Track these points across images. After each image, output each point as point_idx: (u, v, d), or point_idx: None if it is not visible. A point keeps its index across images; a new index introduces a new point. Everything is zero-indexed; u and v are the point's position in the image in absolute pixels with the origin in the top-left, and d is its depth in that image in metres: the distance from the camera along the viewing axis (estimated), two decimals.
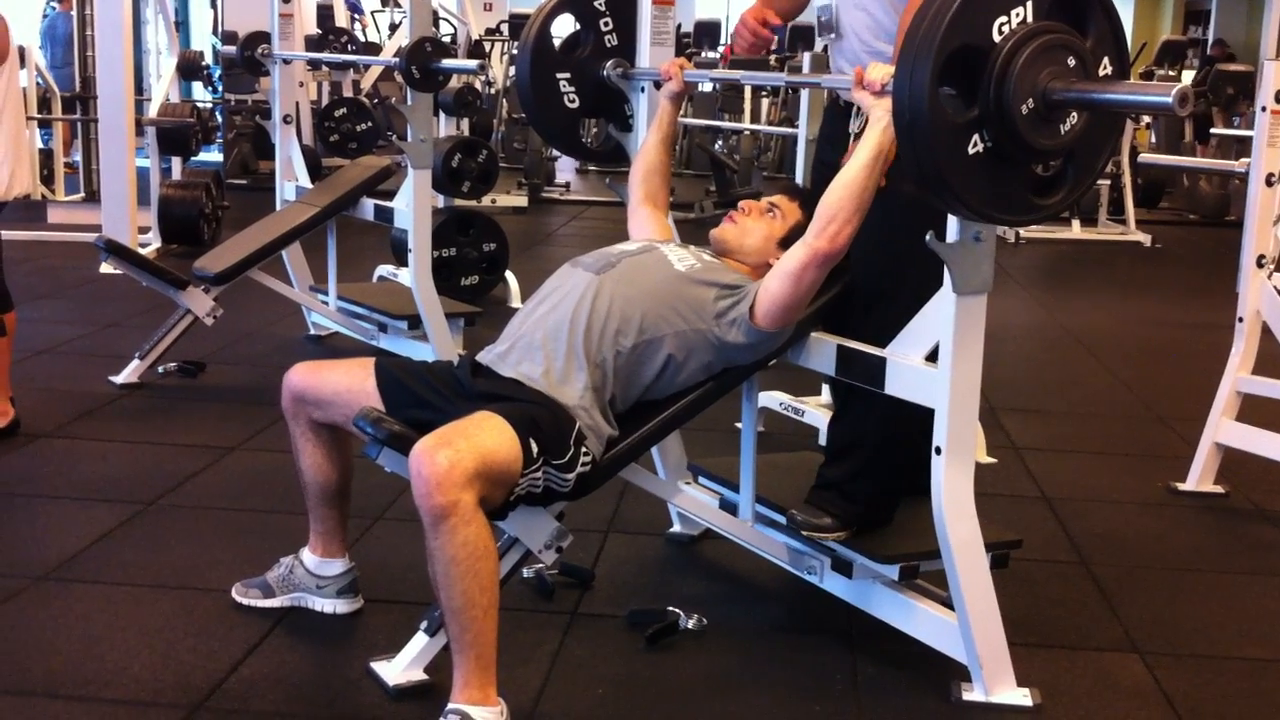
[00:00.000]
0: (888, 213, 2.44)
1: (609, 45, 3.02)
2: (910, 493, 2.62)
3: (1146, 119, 10.34)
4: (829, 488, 2.63)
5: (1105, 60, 2.06)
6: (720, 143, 11.59)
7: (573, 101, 3.03)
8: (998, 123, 1.99)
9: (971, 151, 2.00)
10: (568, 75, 3.00)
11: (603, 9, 3.01)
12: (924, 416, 2.37)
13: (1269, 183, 3.54)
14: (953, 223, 2.23)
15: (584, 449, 2.33)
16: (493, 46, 11.50)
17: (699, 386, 2.51)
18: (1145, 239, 9.08)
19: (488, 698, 2.18)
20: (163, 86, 7.89)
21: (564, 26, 3.08)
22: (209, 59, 12.03)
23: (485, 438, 2.17)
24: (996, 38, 1.97)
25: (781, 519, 2.67)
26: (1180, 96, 1.83)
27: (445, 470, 2.08)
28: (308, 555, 2.67)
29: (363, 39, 11.94)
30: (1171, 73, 12.59)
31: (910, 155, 2.03)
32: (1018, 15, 1.98)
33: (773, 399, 3.91)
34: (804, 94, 3.88)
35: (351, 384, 2.47)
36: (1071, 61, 1.99)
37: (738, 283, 2.52)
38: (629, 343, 2.42)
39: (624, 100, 3.08)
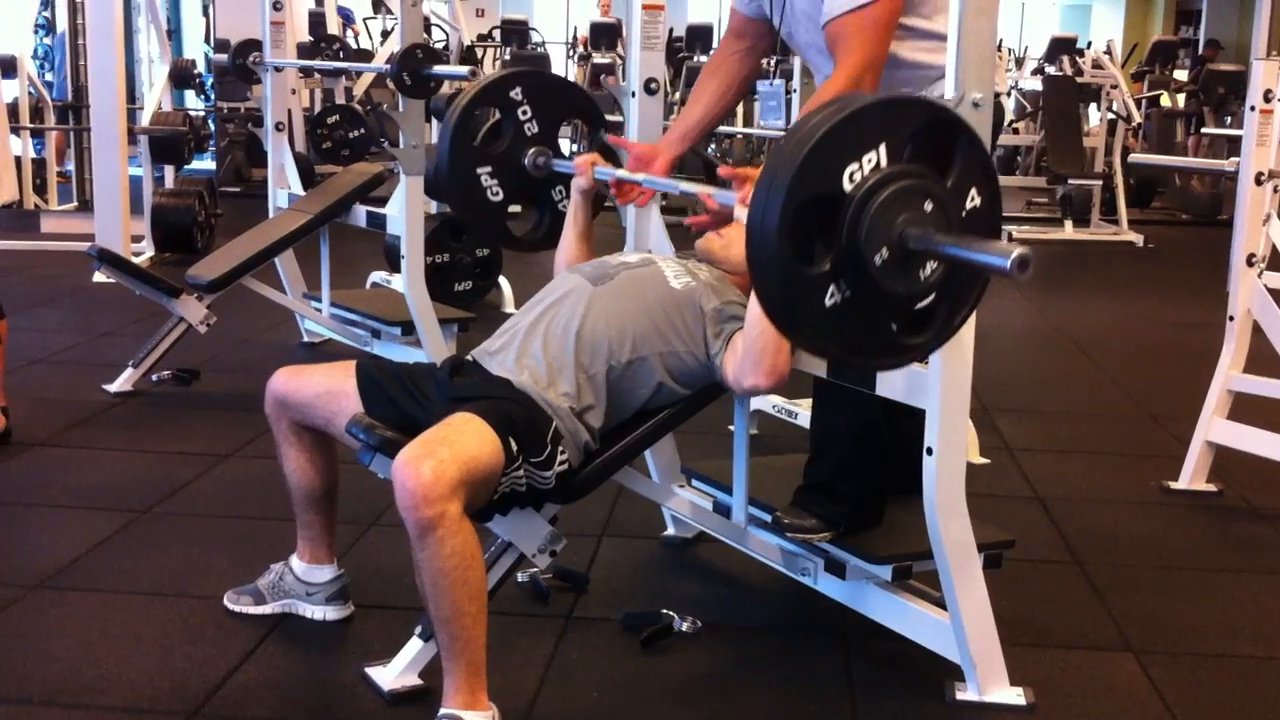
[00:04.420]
0: None
1: (529, 134, 2.96)
2: (901, 492, 2.63)
3: (1136, 122, 10.37)
4: (813, 489, 2.63)
5: (973, 191, 1.91)
6: (713, 146, 11.61)
7: (496, 194, 2.98)
8: (854, 272, 1.83)
9: (830, 303, 1.85)
10: (489, 169, 2.95)
11: (519, 98, 2.94)
12: (899, 411, 2.38)
13: (1258, 181, 3.56)
14: None
15: (560, 448, 2.33)
16: (485, 52, 11.51)
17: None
18: (1138, 239, 9.10)
19: (479, 702, 2.18)
20: (155, 95, 7.86)
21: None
22: (201, 67, 12.04)
23: (467, 443, 2.17)
24: (848, 186, 1.79)
25: None
26: (1019, 261, 1.71)
27: (430, 482, 2.07)
28: (296, 562, 2.68)
29: (354, 46, 11.93)
30: (1164, 72, 12.65)
31: (766, 306, 1.90)
32: (870, 161, 1.80)
33: (766, 402, 3.92)
34: (795, 98, 3.89)
35: (331, 385, 2.47)
36: (929, 206, 1.84)
37: (728, 309, 2.49)
38: (624, 358, 2.43)
39: (550, 186, 3.05)
